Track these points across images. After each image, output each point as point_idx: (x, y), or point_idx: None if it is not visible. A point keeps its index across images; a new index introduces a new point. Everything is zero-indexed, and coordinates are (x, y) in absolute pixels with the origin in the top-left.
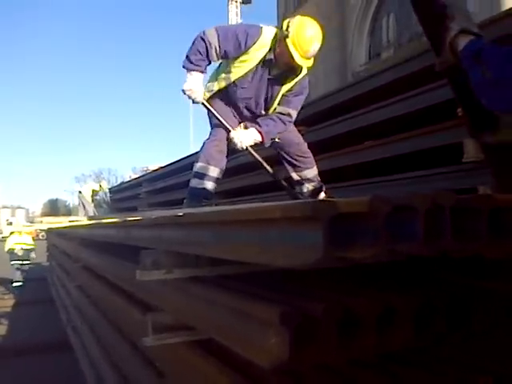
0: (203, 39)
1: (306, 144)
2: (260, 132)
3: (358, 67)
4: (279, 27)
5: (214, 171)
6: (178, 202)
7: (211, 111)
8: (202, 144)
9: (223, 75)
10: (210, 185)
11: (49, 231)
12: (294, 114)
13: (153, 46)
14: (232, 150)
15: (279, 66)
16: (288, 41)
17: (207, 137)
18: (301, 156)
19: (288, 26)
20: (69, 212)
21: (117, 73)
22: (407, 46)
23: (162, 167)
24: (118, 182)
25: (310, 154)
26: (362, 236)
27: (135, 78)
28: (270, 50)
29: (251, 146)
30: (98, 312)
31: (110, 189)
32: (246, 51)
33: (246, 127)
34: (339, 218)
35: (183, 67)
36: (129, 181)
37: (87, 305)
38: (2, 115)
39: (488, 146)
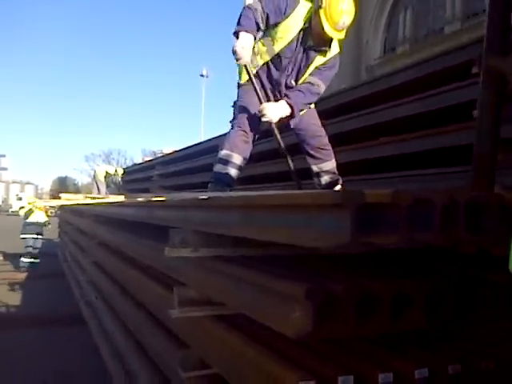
0: (248, 7)
1: (327, 137)
2: (290, 104)
3: (372, 61)
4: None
5: (237, 159)
6: (190, 187)
7: (250, 76)
8: (228, 131)
9: (265, 48)
10: (233, 172)
11: (61, 208)
12: (323, 86)
13: (165, 31)
14: (263, 131)
15: (313, 37)
16: (320, 11)
17: (232, 125)
18: (321, 148)
19: None
20: (77, 190)
21: (130, 56)
22: (423, 41)
23: (176, 151)
24: (127, 163)
25: (330, 147)
26: (384, 224)
27: (149, 63)
28: (306, 21)
29: (278, 123)
30: (116, 287)
31: (124, 171)
32: (285, 18)
33: (276, 100)
34: (365, 207)
35: (234, 32)
36: (141, 163)
37: (103, 280)
38: (16, 94)
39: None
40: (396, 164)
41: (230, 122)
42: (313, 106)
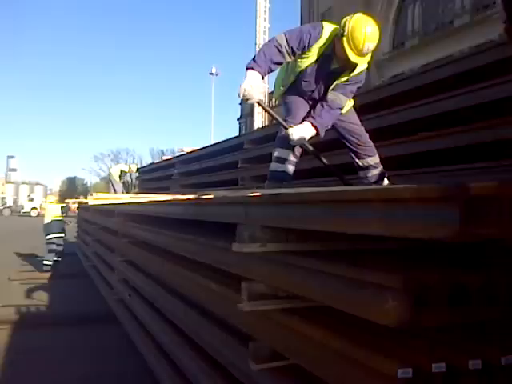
0: (272, 43)
1: (367, 135)
2: (314, 125)
3: (382, 55)
4: (338, 25)
5: (292, 156)
6: (212, 185)
7: (267, 110)
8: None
9: (290, 70)
10: (290, 168)
11: (80, 208)
12: (344, 99)
13: (174, 31)
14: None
15: (337, 61)
16: (343, 39)
17: (286, 122)
18: (362, 145)
19: (344, 25)
20: (86, 190)
21: (139, 57)
22: (433, 34)
23: (197, 149)
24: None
25: (371, 143)
26: (489, 215)
27: (158, 62)
28: (328, 45)
29: (309, 139)
30: (159, 285)
31: (137, 169)
32: (307, 51)
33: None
34: (471, 200)
35: (246, 68)
36: (159, 162)
37: (141, 278)
38: (25, 97)
39: None
40: (435, 159)
41: (238, 119)
42: (352, 103)
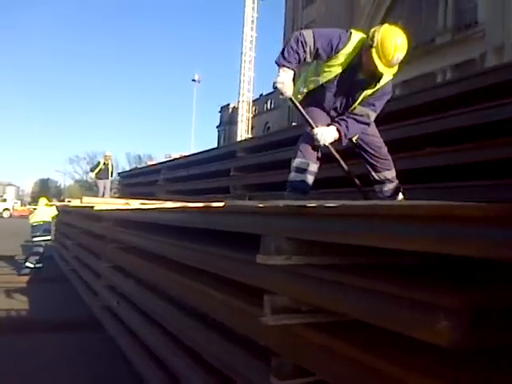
0: (299, 38)
1: (386, 148)
2: (339, 131)
3: None
4: (366, 35)
5: (312, 166)
6: (199, 192)
7: (298, 108)
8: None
9: (312, 78)
10: (309, 179)
11: (61, 210)
12: (373, 116)
13: (156, 36)
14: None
15: (364, 71)
16: (372, 50)
17: (304, 133)
18: (381, 158)
19: (373, 36)
20: (59, 192)
21: (119, 60)
22: (413, 51)
23: (185, 156)
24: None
25: (390, 157)
26: None
27: (140, 67)
28: (355, 55)
29: (331, 144)
30: (157, 294)
31: (119, 173)
32: (335, 55)
33: (327, 125)
34: None
35: (276, 63)
36: (144, 167)
37: (133, 285)
38: None
39: None
40: (443, 174)
41: (217, 127)
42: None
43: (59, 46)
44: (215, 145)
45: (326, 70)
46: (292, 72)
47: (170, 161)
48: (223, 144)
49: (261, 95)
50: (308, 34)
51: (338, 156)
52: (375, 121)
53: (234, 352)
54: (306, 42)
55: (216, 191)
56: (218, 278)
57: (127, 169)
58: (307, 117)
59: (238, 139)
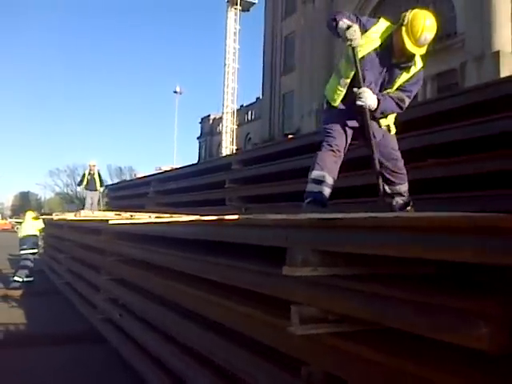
0: (333, 17)
1: (402, 161)
2: (379, 100)
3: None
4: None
5: (329, 179)
6: (193, 204)
7: (356, 60)
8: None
9: (345, 69)
10: (327, 191)
11: (48, 224)
12: (408, 101)
13: (138, 47)
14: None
15: (395, 54)
16: (402, 28)
17: (322, 145)
18: (396, 172)
19: (404, 16)
20: (40, 206)
21: (99, 70)
22: None
23: (176, 169)
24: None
25: (405, 171)
26: None
27: (121, 78)
28: (386, 37)
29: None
30: (165, 307)
31: (106, 186)
32: (364, 31)
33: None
34: None
35: (334, 27)
36: (131, 179)
37: (141, 298)
38: None
39: None
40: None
41: (198, 138)
42: (393, 131)
43: (36, 56)
44: (196, 156)
45: (358, 48)
46: (356, 25)
47: (161, 173)
48: (204, 155)
49: (241, 106)
50: (340, 13)
51: (369, 122)
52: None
53: (259, 364)
54: (341, 17)
55: (211, 203)
56: (239, 292)
57: (109, 181)
58: (361, 74)
59: (223, 150)
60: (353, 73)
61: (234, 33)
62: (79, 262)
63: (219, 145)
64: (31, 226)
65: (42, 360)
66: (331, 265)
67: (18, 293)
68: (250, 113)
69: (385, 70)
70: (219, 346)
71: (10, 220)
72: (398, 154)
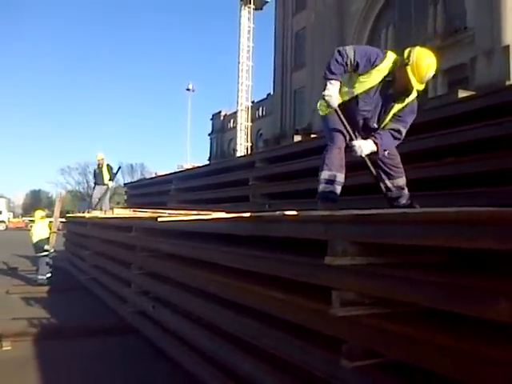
0: (340, 52)
1: (399, 157)
2: (376, 143)
3: None
4: (400, 54)
5: (339, 177)
6: (217, 201)
7: (341, 118)
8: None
9: (346, 89)
10: (338, 189)
11: (73, 221)
12: (404, 131)
13: (150, 45)
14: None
15: (396, 87)
16: (408, 68)
17: (328, 145)
18: (395, 167)
19: (409, 55)
20: (51, 203)
21: (111, 70)
22: None
23: (198, 167)
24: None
25: (402, 165)
26: None
27: (133, 76)
28: (390, 72)
29: (367, 155)
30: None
31: (125, 184)
32: (371, 69)
33: (364, 138)
34: None
35: (325, 78)
36: (151, 177)
37: (177, 291)
38: None
39: None
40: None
41: (209, 134)
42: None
43: (48, 56)
44: (208, 153)
45: (362, 81)
46: (338, 84)
47: (183, 171)
48: (215, 151)
49: (253, 102)
50: (349, 48)
51: (369, 163)
52: None
53: (303, 346)
54: (347, 56)
55: (234, 200)
56: (280, 281)
57: (120, 179)
58: (348, 128)
59: (238, 147)
60: (346, 98)
61: (248, 31)
62: (107, 257)
63: (231, 141)
64: (42, 227)
65: (78, 350)
66: (367, 254)
67: (44, 289)
68: (261, 109)
69: (382, 100)
70: (264, 333)
71: (24, 218)
72: (395, 151)
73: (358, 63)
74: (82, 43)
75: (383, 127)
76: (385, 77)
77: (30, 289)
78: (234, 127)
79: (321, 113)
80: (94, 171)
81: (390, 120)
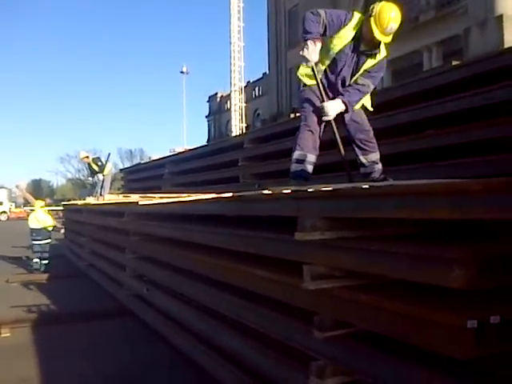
0: (313, 12)
1: (372, 131)
2: (344, 102)
3: None
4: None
5: (310, 157)
6: (208, 183)
7: (316, 79)
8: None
9: (324, 54)
10: (309, 168)
11: (69, 209)
12: (372, 86)
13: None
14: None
15: (365, 42)
16: (371, 19)
17: (300, 126)
18: (368, 141)
19: (373, 8)
20: (52, 192)
21: (106, 54)
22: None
23: (190, 149)
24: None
25: (375, 140)
26: None
27: (127, 60)
28: (358, 28)
29: (334, 119)
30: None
31: (121, 169)
32: (342, 27)
33: (332, 99)
34: None
35: (304, 39)
36: (146, 162)
37: (165, 273)
38: None
39: None
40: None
41: (206, 116)
42: (370, 109)
43: (44, 43)
44: (206, 134)
45: (337, 40)
46: (319, 42)
47: (175, 155)
48: (214, 133)
49: (248, 82)
50: (319, 10)
51: (337, 135)
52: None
53: (276, 318)
54: (319, 14)
55: (225, 181)
56: (257, 258)
57: (120, 165)
58: (322, 89)
59: (233, 128)
60: (327, 62)
61: (238, 11)
62: (102, 243)
63: (228, 122)
64: (43, 215)
65: (81, 334)
66: (336, 229)
67: (43, 276)
68: (257, 89)
69: (355, 57)
70: (248, 309)
71: (24, 208)
72: (369, 125)
73: (329, 22)
74: (74, 32)
75: (354, 82)
76: (355, 33)
77: (30, 277)
78: (230, 108)
79: (301, 85)
80: (88, 166)
81: (361, 75)
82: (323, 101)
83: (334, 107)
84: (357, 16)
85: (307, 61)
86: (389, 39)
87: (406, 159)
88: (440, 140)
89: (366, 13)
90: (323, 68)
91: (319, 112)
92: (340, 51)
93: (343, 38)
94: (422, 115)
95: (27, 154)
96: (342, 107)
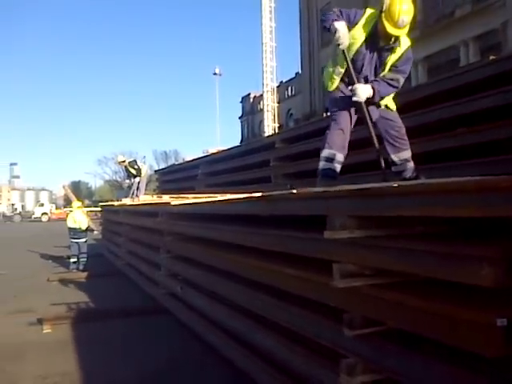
0: (327, 11)
1: (404, 128)
2: (373, 88)
3: None
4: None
5: (339, 156)
6: (240, 183)
7: (348, 63)
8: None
9: (340, 59)
10: (337, 167)
11: (107, 210)
12: (402, 80)
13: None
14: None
15: (382, 38)
16: (382, 15)
17: (331, 125)
18: (400, 138)
19: (383, 3)
20: (91, 193)
21: (141, 58)
22: (434, 25)
23: (223, 150)
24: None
25: (407, 138)
26: None
27: (161, 64)
28: (373, 25)
29: (366, 102)
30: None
31: (156, 171)
32: (354, 26)
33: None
34: None
35: (327, 28)
36: (180, 163)
37: (197, 271)
38: (25, 100)
39: None
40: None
41: (239, 117)
42: (393, 108)
43: (79, 46)
44: (239, 135)
45: (352, 42)
46: (343, 22)
47: (209, 155)
48: (247, 134)
49: (281, 82)
50: (333, 10)
51: (369, 118)
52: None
53: (306, 316)
54: (334, 12)
55: (257, 181)
56: (287, 257)
57: (155, 166)
58: (353, 73)
59: (265, 128)
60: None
61: (270, 11)
62: (138, 243)
63: (261, 122)
64: (80, 215)
65: (115, 331)
66: (365, 227)
67: (82, 275)
68: (289, 88)
69: (375, 54)
70: (277, 306)
71: (64, 209)
72: (401, 123)
73: (344, 18)
74: (109, 35)
75: (383, 76)
76: (370, 30)
77: (70, 275)
78: (263, 109)
79: (329, 88)
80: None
81: (389, 70)
82: (354, 83)
83: (364, 89)
84: (368, 12)
85: (339, 44)
86: (403, 32)
87: (438, 158)
88: (471, 138)
89: (378, 9)
90: (342, 71)
91: (350, 95)
92: (357, 52)
93: (357, 37)
94: (452, 113)
95: (66, 157)
96: (371, 92)
